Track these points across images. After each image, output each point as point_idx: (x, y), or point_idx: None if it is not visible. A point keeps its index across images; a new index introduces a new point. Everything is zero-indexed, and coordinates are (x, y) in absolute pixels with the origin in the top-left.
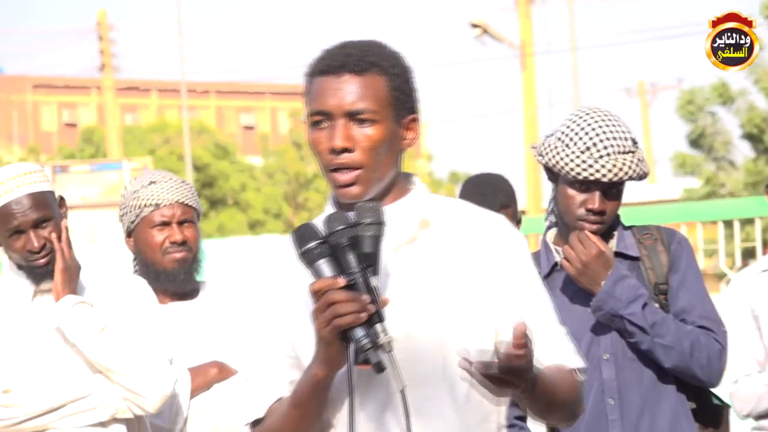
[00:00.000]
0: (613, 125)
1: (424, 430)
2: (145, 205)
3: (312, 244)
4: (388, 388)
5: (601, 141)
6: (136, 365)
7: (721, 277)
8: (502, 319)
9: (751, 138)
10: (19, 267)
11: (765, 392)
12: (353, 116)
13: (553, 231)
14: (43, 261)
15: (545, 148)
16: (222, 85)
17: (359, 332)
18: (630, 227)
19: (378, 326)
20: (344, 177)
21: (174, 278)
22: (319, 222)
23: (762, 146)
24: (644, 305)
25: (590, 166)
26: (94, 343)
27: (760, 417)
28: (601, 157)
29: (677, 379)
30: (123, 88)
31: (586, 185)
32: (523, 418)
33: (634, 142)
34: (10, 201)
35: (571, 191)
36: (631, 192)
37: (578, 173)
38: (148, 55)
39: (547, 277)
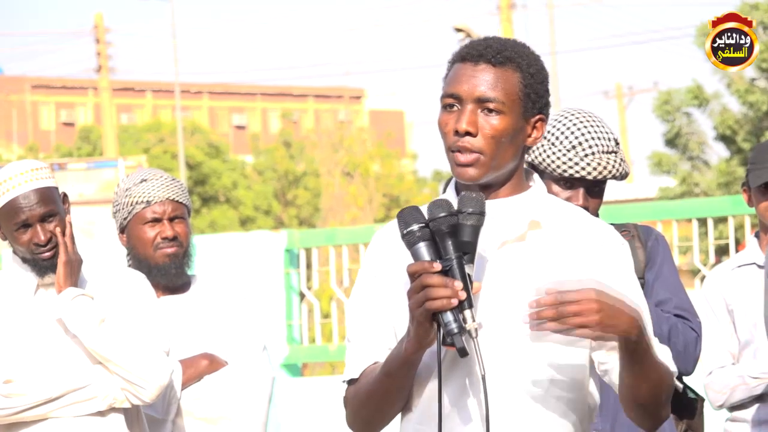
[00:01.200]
0: (598, 126)
1: (501, 418)
2: (136, 203)
3: (414, 227)
4: (471, 373)
5: (587, 140)
6: (134, 356)
7: (695, 273)
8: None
9: (725, 139)
10: (24, 260)
11: (738, 384)
12: (482, 103)
13: None
14: (48, 254)
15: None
16: (214, 87)
17: (448, 316)
18: (610, 225)
19: (467, 312)
20: (463, 158)
21: (165, 273)
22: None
23: (735, 147)
24: None
25: (576, 163)
26: (94, 335)
27: (733, 408)
28: (586, 155)
29: None
30: (119, 88)
31: (570, 183)
32: None
33: (617, 143)
34: (18, 196)
35: (555, 188)
36: (609, 190)
37: (564, 170)
38: (143, 57)
39: None
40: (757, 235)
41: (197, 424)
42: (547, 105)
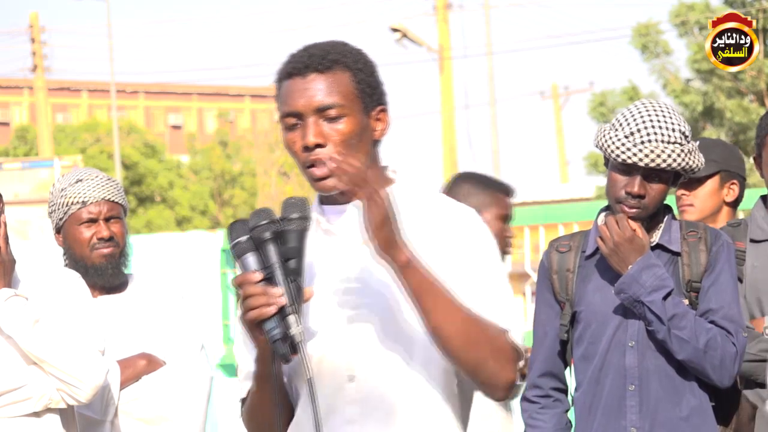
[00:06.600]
0: (664, 116)
1: (367, 419)
2: (72, 203)
3: (242, 239)
4: (336, 376)
5: (646, 128)
6: (69, 356)
7: None
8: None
9: None
10: None
11: None
12: (322, 112)
13: (604, 214)
14: None
15: (599, 132)
16: (150, 86)
17: (270, 324)
18: (679, 222)
19: (290, 318)
20: (320, 171)
21: (102, 273)
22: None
23: None
24: (666, 296)
25: (629, 149)
26: (29, 335)
27: None
28: (642, 142)
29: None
30: (54, 88)
31: (628, 169)
32: (560, 390)
33: (685, 136)
34: None
35: (615, 174)
36: (544, 191)
37: (618, 155)
38: (79, 57)
39: (590, 258)
40: None
41: (136, 425)
42: (383, 94)
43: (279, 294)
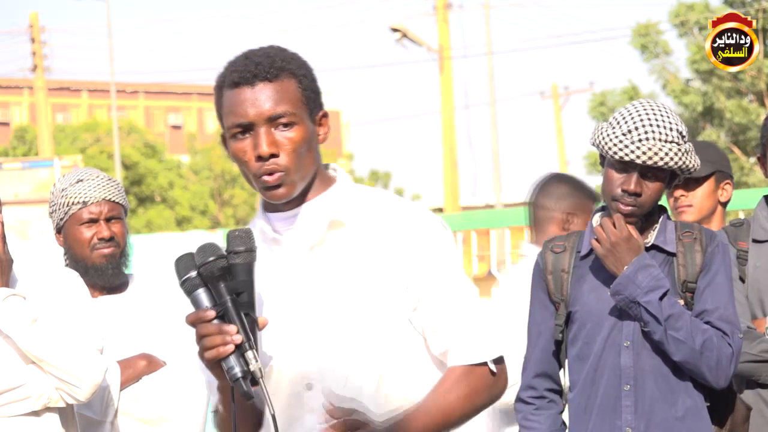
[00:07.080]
0: (662, 116)
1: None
2: (73, 203)
3: (191, 274)
4: (294, 387)
5: (644, 126)
6: (67, 355)
7: None
8: (417, 320)
9: None
10: None
11: None
12: (274, 121)
13: (599, 215)
14: None
15: (596, 130)
16: (150, 86)
17: (230, 362)
18: (675, 222)
19: (248, 354)
20: (272, 179)
21: (102, 273)
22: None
23: None
24: (663, 296)
25: (626, 146)
26: (27, 334)
27: None
28: (640, 140)
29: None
30: (54, 88)
31: (624, 167)
32: (554, 390)
33: (682, 135)
34: None
35: (611, 172)
36: None
37: (615, 152)
38: (79, 57)
39: (585, 258)
40: None
41: (136, 425)
42: (322, 98)
43: (234, 331)
